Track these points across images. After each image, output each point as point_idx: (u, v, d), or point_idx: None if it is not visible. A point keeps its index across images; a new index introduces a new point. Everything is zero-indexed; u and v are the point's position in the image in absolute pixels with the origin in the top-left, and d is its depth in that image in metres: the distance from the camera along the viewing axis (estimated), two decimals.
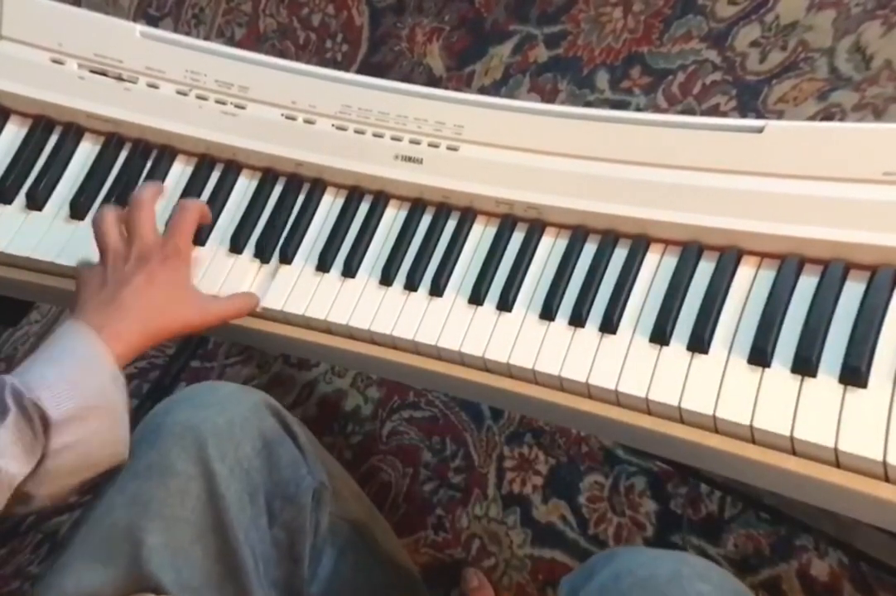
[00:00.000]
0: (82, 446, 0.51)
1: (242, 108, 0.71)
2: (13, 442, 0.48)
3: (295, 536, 0.62)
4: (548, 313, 0.60)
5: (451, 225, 0.67)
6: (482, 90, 1.32)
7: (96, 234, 0.62)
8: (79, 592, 0.52)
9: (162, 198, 0.68)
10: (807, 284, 0.55)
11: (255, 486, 0.60)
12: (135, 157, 0.73)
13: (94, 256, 0.64)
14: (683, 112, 1.18)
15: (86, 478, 0.53)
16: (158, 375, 1.30)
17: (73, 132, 0.73)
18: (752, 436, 0.53)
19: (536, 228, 0.64)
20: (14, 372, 0.51)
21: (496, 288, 0.63)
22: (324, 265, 0.67)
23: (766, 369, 0.53)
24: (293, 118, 0.70)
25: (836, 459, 0.50)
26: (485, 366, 0.61)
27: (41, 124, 0.74)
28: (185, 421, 0.58)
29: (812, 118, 1.10)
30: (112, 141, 0.73)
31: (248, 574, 0.57)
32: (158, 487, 0.55)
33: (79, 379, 0.52)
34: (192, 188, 0.71)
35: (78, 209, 0.71)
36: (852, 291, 0.54)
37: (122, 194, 0.71)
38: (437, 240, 0.66)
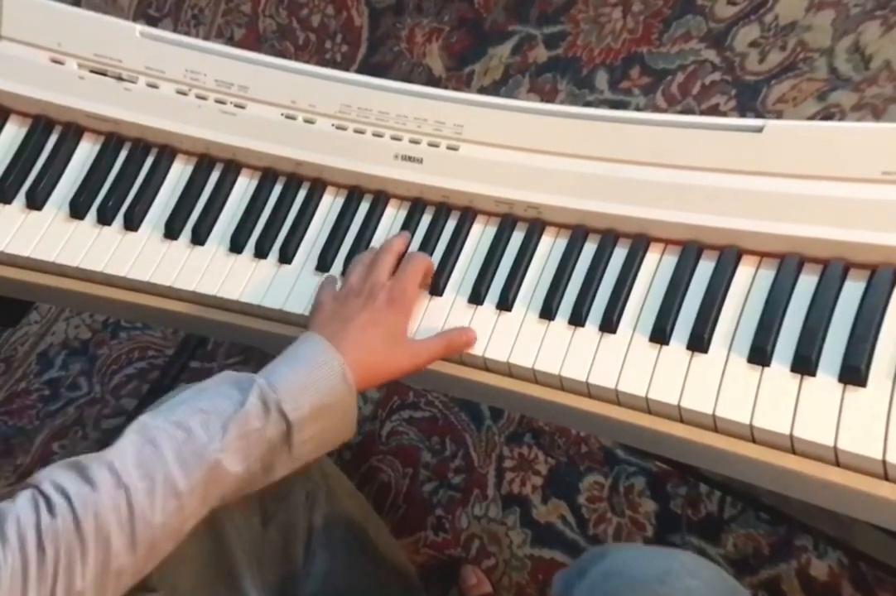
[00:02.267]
0: (318, 437, 0.53)
1: (242, 107, 0.71)
2: (238, 437, 0.49)
3: (289, 535, 0.62)
4: (548, 313, 0.60)
5: (450, 224, 0.67)
6: (482, 90, 1.33)
7: (348, 270, 0.63)
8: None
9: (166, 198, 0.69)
10: (806, 284, 0.55)
11: None
12: (134, 157, 0.73)
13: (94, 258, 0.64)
14: (683, 112, 1.18)
15: (317, 456, 0.55)
16: (158, 375, 1.30)
17: (73, 132, 0.73)
18: (751, 435, 0.53)
19: (536, 228, 0.64)
20: (260, 372, 0.53)
21: (496, 287, 0.63)
22: (324, 265, 0.67)
23: (766, 368, 0.53)
24: (293, 118, 0.70)
25: (836, 458, 0.50)
26: (485, 365, 0.61)
27: (41, 124, 0.74)
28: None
29: (811, 118, 1.11)
30: (112, 140, 0.73)
31: (242, 574, 0.57)
32: None
33: (315, 381, 0.53)
34: (192, 188, 0.71)
35: (78, 209, 0.71)
36: (852, 291, 0.54)
37: (121, 194, 0.71)
38: (437, 239, 0.66)
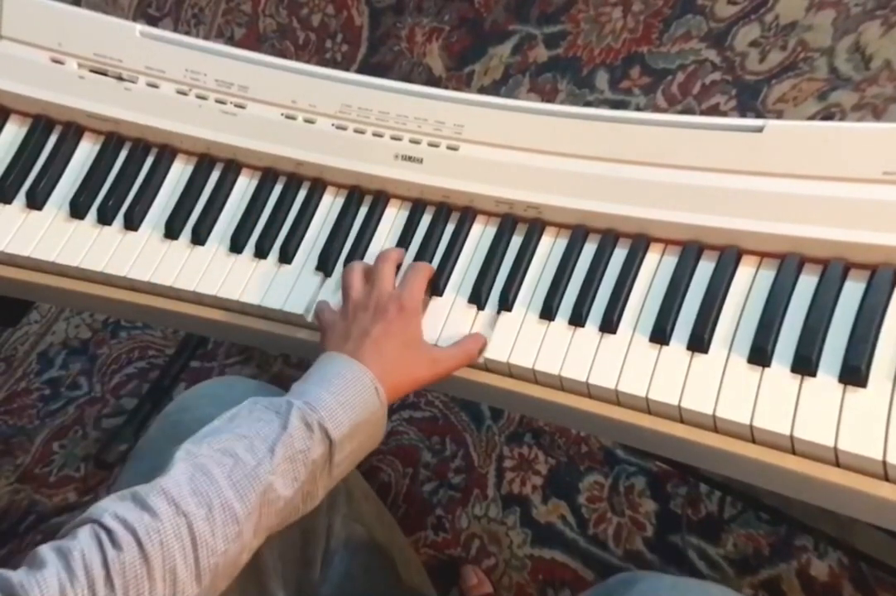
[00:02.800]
0: (353, 455, 0.53)
1: (242, 107, 0.71)
2: (285, 459, 0.48)
3: (308, 537, 0.62)
4: (548, 313, 0.60)
5: (451, 224, 0.67)
6: (482, 90, 1.33)
7: (344, 284, 0.62)
8: None
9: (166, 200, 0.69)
10: (807, 284, 0.55)
11: None
12: (135, 157, 0.73)
13: (94, 257, 0.64)
14: (683, 112, 1.18)
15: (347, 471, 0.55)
16: (158, 375, 1.30)
17: (73, 132, 0.73)
18: (751, 435, 0.53)
19: (536, 228, 0.64)
20: (291, 394, 0.53)
21: (496, 287, 0.63)
22: (324, 265, 0.67)
23: (766, 369, 0.53)
24: (293, 118, 0.70)
25: (836, 459, 0.50)
26: (485, 365, 0.61)
27: (41, 124, 0.74)
28: (204, 418, 0.58)
29: (812, 118, 1.10)
30: (112, 140, 0.73)
31: (268, 572, 0.57)
32: None
33: (349, 398, 0.52)
34: (192, 188, 0.71)
35: (78, 209, 0.71)
36: (852, 291, 0.54)
37: (121, 194, 0.71)
38: (437, 239, 0.66)
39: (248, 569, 0.57)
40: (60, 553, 0.41)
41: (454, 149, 0.66)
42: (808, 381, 0.52)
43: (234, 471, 0.47)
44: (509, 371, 0.60)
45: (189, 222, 0.70)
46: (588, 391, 0.58)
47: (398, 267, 0.64)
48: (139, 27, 0.72)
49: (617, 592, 0.52)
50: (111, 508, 0.44)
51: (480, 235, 0.66)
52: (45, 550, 0.41)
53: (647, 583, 0.51)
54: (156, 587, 0.41)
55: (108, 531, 0.42)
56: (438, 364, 0.58)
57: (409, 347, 0.58)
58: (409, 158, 0.67)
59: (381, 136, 0.68)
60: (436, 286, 0.64)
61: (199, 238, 0.69)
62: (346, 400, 0.52)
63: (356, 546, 0.67)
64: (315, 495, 0.51)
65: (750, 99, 1.15)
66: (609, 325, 0.58)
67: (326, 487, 0.52)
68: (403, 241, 0.66)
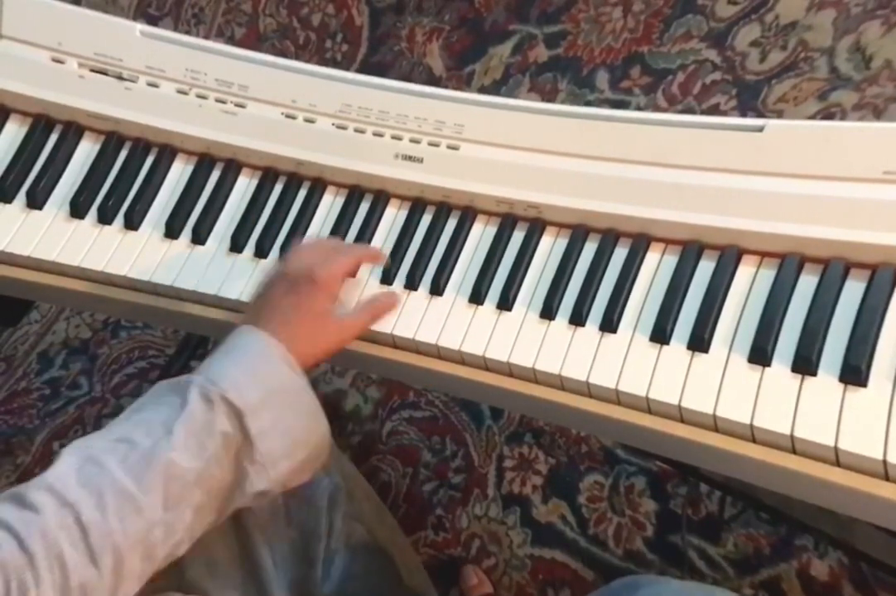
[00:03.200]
0: (281, 426, 0.52)
1: (242, 106, 0.71)
2: (187, 434, 0.48)
3: (309, 537, 0.62)
4: (548, 312, 0.60)
5: (451, 224, 0.67)
6: (482, 90, 1.33)
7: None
8: None
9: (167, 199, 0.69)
10: (807, 283, 0.55)
11: None
12: (135, 156, 0.73)
13: (94, 257, 0.64)
14: (683, 112, 1.18)
15: (302, 458, 0.53)
16: (158, 375, 1.30)
17: (73, 131, 0.73)
18: (752, 435, 0.53)
19: (536, 228, 0.64)
20: (195, 371, 0.53)
21: (496, 287, 0.63)
22: None
23: (767, 368, 0.53)
24: (293, 117, 0.70)
25: (837, 458, 0.50)
26: (485, 365, 0.61)
27: (41, 123, 0.74)
28: None
29: (812, 118, 1.11)
30: (112, 140, 0.73)
31: (268, 572, 0.57)
32: None
33: (257, 368, 0.53)
34: (192, 187, 0.71)
35: (78, 208, 0.71)
36: (852, 290, 0.54)
37: (121, 194, 0.71)
38: (438, 239, 0.66)
39: (248, 568, 0.57)
40: None
41: (454, 148, 0.66)
42: (809, 380, 0.52)
43: (129, 455, 0.46)
44: (509, 371, 0.60)
45: (189, 222, 0.70)
46: (588, 391, 0.58)
47: None
48: (139, 27, 0.72)
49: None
50: None
51: (481, 235, 0.66)
52: None
53: (652, 588, 0.51)
54: (40, 575, 0.41)
55: None
56: (346, 331, 0.60)
57: (318, 318, 0.59)
58: (410, 158, 0.67)
59: (381, 135, 0.68)
60: (436, 286, 0.64)
61: (199, 238, 0.69)
62: (249, 369, 0.52)
63: (357, 546, 0.67)
64: (243, 467, 0.50)
65: (750, 99, 1.15)
66: (609, 324, 0.58)
67: (261, 462, 0.51)
68: (403, 240, 0.66)
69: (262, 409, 0.51)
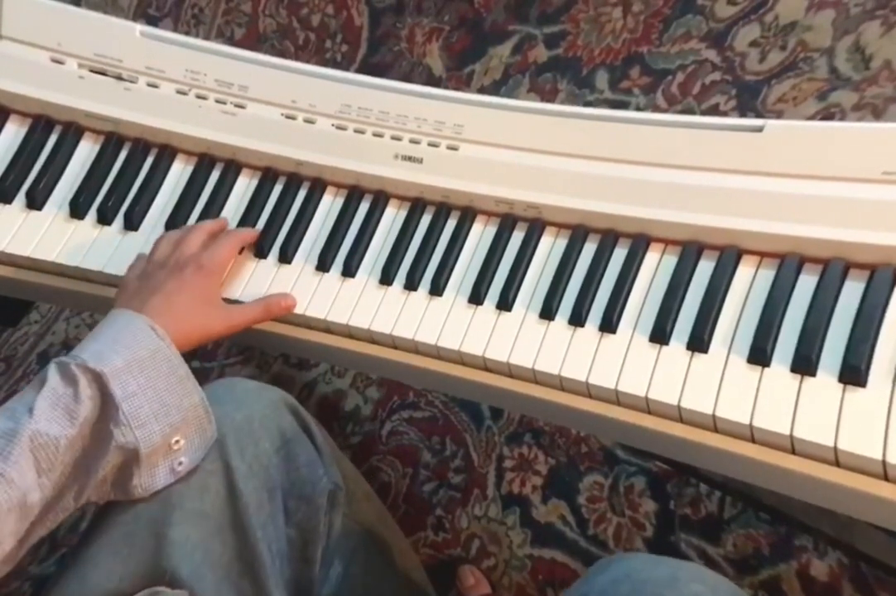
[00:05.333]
0: (150, 392, 0.53)
1: (242, 107, 0.71)
2: (50, 407, 0.50)
3: (308, 536, 0.62)
4: (548, 313, 0.60)
5: (450, 224, 0.67)
6: (482, 90, 1.33)
7: (152, 248, 0.65)
8: (100, 584, 0.53)
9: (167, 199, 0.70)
10: (806, 284, 0.55)
11: (273, 483, 0.60)
12: (135, 157, 0.73)
13: (94, 257, 0.64)
14: (683, 112, 1.18)
15: (173, 423, 0.54)
16: None
17: (73, 131, 0.74)
18: (751, 435, 0.53)
19: (536, 228, 0.64)
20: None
21: (496, 287, 0.63)
22: (324, 265, 0.67)
23: (766, 368, 0.53)
24: (293, 118, 0.70)
25: (836, 458, 0.50)
26: (485, 365, 0.61)
27: (41, 124, 0.74)
28: None
29: (812, 118, 1.10)
30: (112, 140, 0.73)
31: (266, 570, 0.57)
32: (179, 482, 0.56)
33: (119, 339, 0.54)
34: (192, 188, 0.71)
35: (77, 209, 0.71)
36: (852, 290, 0.54)
37: (121, 194, 0.71)
38: (437, 239, 0.66)
39: (245, 566, 0.57)
40: None
41: (454, 149, 0.66)
42: (808, 380, 0.52)
43: None
44: (509, 371, 0.60)
45: (189, 222, 0.70)
46: (588, 391, 0.58)
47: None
48: (139, 27, 0.72)
49: (593, 574, 0.52)
50: None
51: (480, 235, 0.66)
52: None
53: (624, 562, 0.52)
54: None
55: None
56: (233, 319, 0.61)
57: (204, 303, 0.60)
58: (409, 158, 0.67)
59: (381, 136, 0.68)
60: (436, 286, 0.64)
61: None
62: (114, 340, 0.54)
63: (356, 546, 0.67)
64: (110, 430, 0.51)
65: (750, 99, 1.15)
66: (609, 324, 0.58)
67: (133, 426, 0.52)
68: (403, 240, 0.66)
69: (126, 373, 0.52)
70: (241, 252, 0.68)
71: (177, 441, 0.55)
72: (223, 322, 0.61)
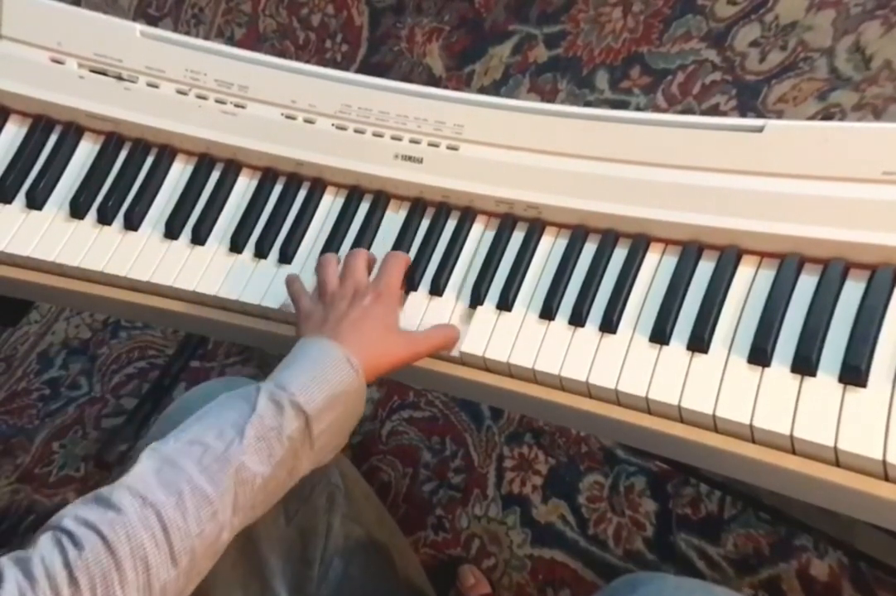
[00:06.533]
0: (335, 425, 0.53)
1: (242, 107, 0.71)
2: (256, 438, 0.49)
3: (307, 537, 0.62)
4: (548, 313, 0.60)
5: (451, 224, 0.67)
6: (482, 90, 1.33)
7: (320, 276, 0.63)
8: None
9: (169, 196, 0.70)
10: (807, 284, 0.55)
11: None
12: (134, 157, 0.73)
13: (94, 257, 0.64)
14: (683, 112, 1.18)
15: (340, 444, 0.56)
16: (158, 375, 1.30)
17: (73, 131, 0.73)
18: (751, 435, 0.53)
19: (536, 228, 0.64)
20: (266, 380, 0.54)
21: (496, 287, 0.63)
22: None
23: (766, 369, 0.53)
24: (293, 118, 0.70)
25: (836, 458, 0.50)
26: (485, 365, 0.61)
27: (41, 124, 0.74)
28: None
29: (812, 118, 1.10)
30: (112, 140, 0.73)
31: (270, 570, 0.57)
32: None
33: (321, 372, 0.53)
34: (192, 187, 0.71)
35: (78, 208, 0.71)
36: (852, 291, 0.54)
37: (121, 194, 0.71)
38: (437, 239, 0.66)
39: (251, 566, 0.57)
40: (20, 562, 0.41)
41: (454, 149, 0.66)
42: (808, 381, 0.52)
43: (204, 457, 0.47)
44: (509, 371, 0.60)
45: (189, 222, 0.70)
46: (588, 391, 0.58)
47: (370, 267, 0.65)
48: (139, 27, 0.72)
49: (621, 594, 0.52)
50: (72, 512, 0.44)
51: (480, 235, 0.66)
52: (4, 562, 0.41)
53: (652, 585, 0.51)
54: (126, 577, 0.41)
55: (69, 534, 0.42)
56: (417, 345, 0.60)
57: (387, 330, 0.59)
58: (409, 158, 0.67)
59: (381, 136, 0.68)
60: (436, 286, 0.64)
61: (199, 238, 0.69)
62: (316, 374, 0.53)
63: (355, 547, 0.67)
64: (299, 469, 0.52)
65: (750, 99, 1.15)
66: (609, 325, 0.58)
67: (311, 461, 0.53)
68: (403, 241, 0.66)
69: (325, 411, 0.52)
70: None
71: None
72: (407, 348, 0.59)
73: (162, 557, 0.43)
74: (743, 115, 1.15)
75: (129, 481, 0.45)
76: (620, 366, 0.57)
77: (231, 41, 1.53)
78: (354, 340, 0.56)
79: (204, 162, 0.72)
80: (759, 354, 0.54)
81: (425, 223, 0.67)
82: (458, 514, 1.09)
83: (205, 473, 0.46)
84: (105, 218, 0.70)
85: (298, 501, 0.62)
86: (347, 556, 0.66)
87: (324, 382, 0.52)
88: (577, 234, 0.63)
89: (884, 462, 0.48)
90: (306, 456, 0.52)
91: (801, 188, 0.56)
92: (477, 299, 0.63)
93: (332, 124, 0.69)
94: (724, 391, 0.53)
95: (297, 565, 0.61)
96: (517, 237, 0.65)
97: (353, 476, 0.72)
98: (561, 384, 0.58)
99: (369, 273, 0.64)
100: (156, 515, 0.44)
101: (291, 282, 0.65)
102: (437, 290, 0.64)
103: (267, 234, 0.69)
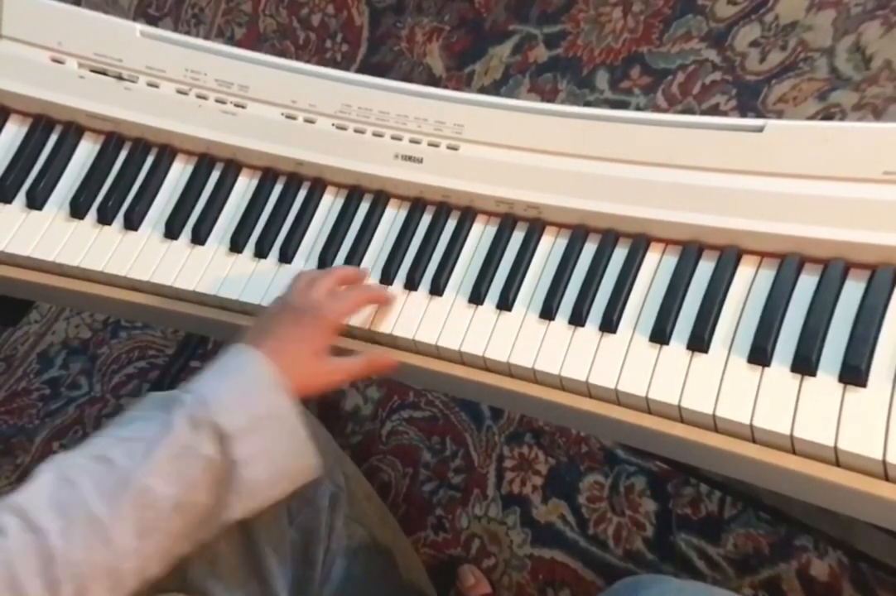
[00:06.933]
0: (269, 455, 0.50)
1: (242, 107, 0.71)
2: (168, 460, 0.47)
3: (310, 537, 0.62)
4: (548, 312, 0.60)
5: (451, 224, 0.67)
6: (482, 90, 1.33)
7: (289, 286, 0.62)
8: None
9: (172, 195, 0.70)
10: (807, 284, 0.55)
11: None
12: (135, 157, 0.73)
13: (94, 257, 0.64)
14: (683, 112, 1.18)
15: (286, 489, 0.52)
16: (158, 375, 1.30)
17: (73, 131, 0.73)
18: (751, 435, 0.53)
19: (536, 228, 0.64)
20: (186, 387, 0.52)
21: (496, 287, 0.63)
22: (324, 265, 0.67)
23: (766, 368, 0.53)
24: (293, 117, 0.70)
25: (836, 458, 0.50)
26: (485, 365, 0.61)
27: (41, 123, 0.74)
28: None
29: (812, 118, 1.11)
30: (112, 140, 0.73)
31: (272, 571, 0.57)
32: None
33: (250, 392, 0.51)
34: (192, 187, 0.71)
35: (78, 208, 0.71)
36: (852, 290, 0.54)
37: (121, 194, 0.71)
38: (437, 239, 0.66)
39: (251, 568, 0.57)
40: None
41: (454, 149, 0.66)
42: (808, 380, 0.52)
43: (106, 478, 0.45)
44: (509, 371, 0.60)
45: (189, 222, 0.70)
46: (588, 391, 0.58)
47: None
48: (139, 27, 0.72)
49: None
50: None
51: (480, 235, 0.66)
52: None
53: (655, 588, 0.51)
54: None
55: None
56: (335, 373, 0.59)
57: (312, 354, 0.57)
58: (409, 158, 0.67)
59: (381, 135, 0.68)
60: (436, 286, 0.64)
61: (199, 238, 0.69)
62: (243, 390, 0.51)
63: (357, 547, 0.67)
64: (226, 497, 0.49)
65: (750, 99, 1.15)
66: (609, 324, 0.58)
67: (245, 494, 0.49)
68: (403, 240, 0.66)
69: (249, 433, 0.49)
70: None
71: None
72: (324, 378, 0.58)
73: (39, 585, 0.41)
74: (743, 115, 1.15)
75: (20, 500, 0.44)
76: (620, 366, 0.57)
77: (231, 41, 1.53)
78: (281, 359, 0.55)
79: (204, 162, 0.72)
80: (760, 354, 0.54)
81: (425, 223, 0.67)
82: (458, 514, 1.09)
83: (103, 496, 0.44)
84: (105, 218, 0.70)
85: (301, 502, 0.62)
86: (350, 556, 0.66)
87: (249, 402, 0.51)
88: (577, 234, 0.63)
89: (884, 462, 0.48)
90: (234, 487, 0.49)
91: (801, 188, 0.56)
92: (477, 299, 0.63)
93: (333, 124, 0.69)
94: (724, 391, 0.53)
95: (300, 566, 0.61)
96: (517, 237, 0.65)
97: (356, 477, 0.72)
98: (561, 384, 0.58)
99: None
100: (37, 542, 0.42)
101: (296, 278, 0.63)
102: (437, 289, 0.64)
103: (267, 233, 0.69)
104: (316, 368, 0.57)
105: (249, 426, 0.49)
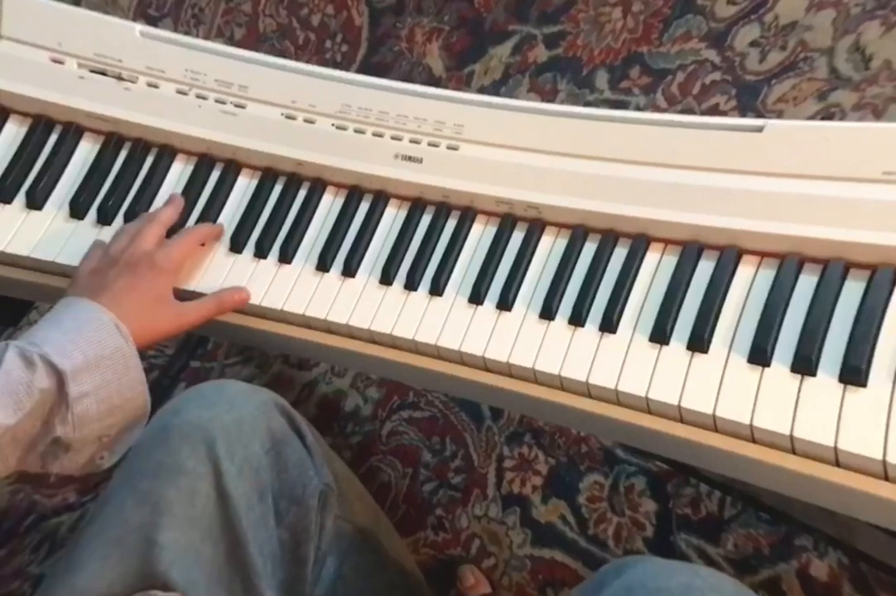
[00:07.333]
0: (102, 392, 0.54)
1: (242, 107, 0.71)
2: (3, 394, 0.49)
3: (300, 537, 0.62)
4: (548, 313, 0.60)
5: (450, 224, 0.67)
6: (482, 90, 1.33)
7: (111, 239, 0.65)
8: (90, 589, 0.52)
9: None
10: (807, 284, 0.55)
11: (263, 485, 0.60)
12: (134, 157, 0.73)
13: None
14: (683, 112, 1.18)
15: (112, 423, 0.56)
16: (158, 375, 1.30)
17: (73, 132, 0.74)
18: (751, 435, 0.53)
19: (536, 228, 0.64)
20: (18, 338, 0.54)
21: (496, 287, 0.63)
22: (324, 265, 0.67)
23: (766, 368, 0.53)
24: (293, 118, 0.70)
25: (836, 458, 0.50)
26: (485, 365, 0.61)
27: (41, 124, 0.74)
28: (193, 420, 0.58)
29: (812, 118, 1.10)
30: (112, 140, 0.73)
31: (257, 573, 0.57)
32: (168, 486, 0.55)
33: (83, 333, 0.54)
34: (191, 188, 0.71)
35: (78, 209, 0.71)
36: (852, 291, 0.54)
37: (121, 194, 0.71)
38: (437, 239, 0.66)
39: (236, 568, 0.57)
40: None
41: (454, 149, 0.66)
42: (808, 381, 0.52)
43: None
44: (509, 371, 0.60)
45: (189, 223, 0.70)
46: (588, 391, 0.58)
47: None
48: (139, 27, 0.72)
49: (608, 580, 0.52)
50: None
51: (480, 235, 0.66)
52: None
53: (637, 568, 0.51)
54: None
55: None
56: (185, 317, 0.62)
57: (154, 302, 0.60)
58: (409, 158, 0.67)
59: (381, 136, 0.68)
60: (436, 286, 0.64)
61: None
62: (79, 336, 0.53)
63: (348, 547, 0.67)
64: (53, 425, 0.52)
65: (750, 99, 1.15)
66: (609, 324, 0.58)
67: (72, 425, 0.53)
68: (403, 240, 0.66)
69: (85, 372, 0.52)
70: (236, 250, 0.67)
71: (107, 436, 0.56)
72: (173, 321, 0.61)
73: None
74: (743, 115, 1.15)
75: None
76: (620, 366, 0.57)
77: (231, 41, 1.53)
78: (115, 309, 0.57)
79: (204, 162, 0.72)
80: (759, 354, 0.54)
81: (425, 223, 0.67)
82: (458, 514, 1.09)
83: None
84: (105, 218, 0.70)
85: (289, 502, 0.62)
86: (341, 555, 0.66)
87: (84, 342, 0.53)
88: (577, 233, 0.63)
89: (884, 462, 0.48)
90: (62, 417, 0.52)
91: (801, 188, 0.56)
92: (477, 299, 0.63)
93: (332, 124, 0.69)
94: (724, 391, 0.53)
95: (289, 566, 0.61)
96: (517, 237, 0.65)
97: (347, 476, 0.72)
98: (561, 384, 0.58)
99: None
100: None
101: (94, 244, 0.66)
102: (436, 289, 0.64)
103: (267, 234, 0.69)
104: (161, 313, 0.61)
105: (86, 364, 0.53)
